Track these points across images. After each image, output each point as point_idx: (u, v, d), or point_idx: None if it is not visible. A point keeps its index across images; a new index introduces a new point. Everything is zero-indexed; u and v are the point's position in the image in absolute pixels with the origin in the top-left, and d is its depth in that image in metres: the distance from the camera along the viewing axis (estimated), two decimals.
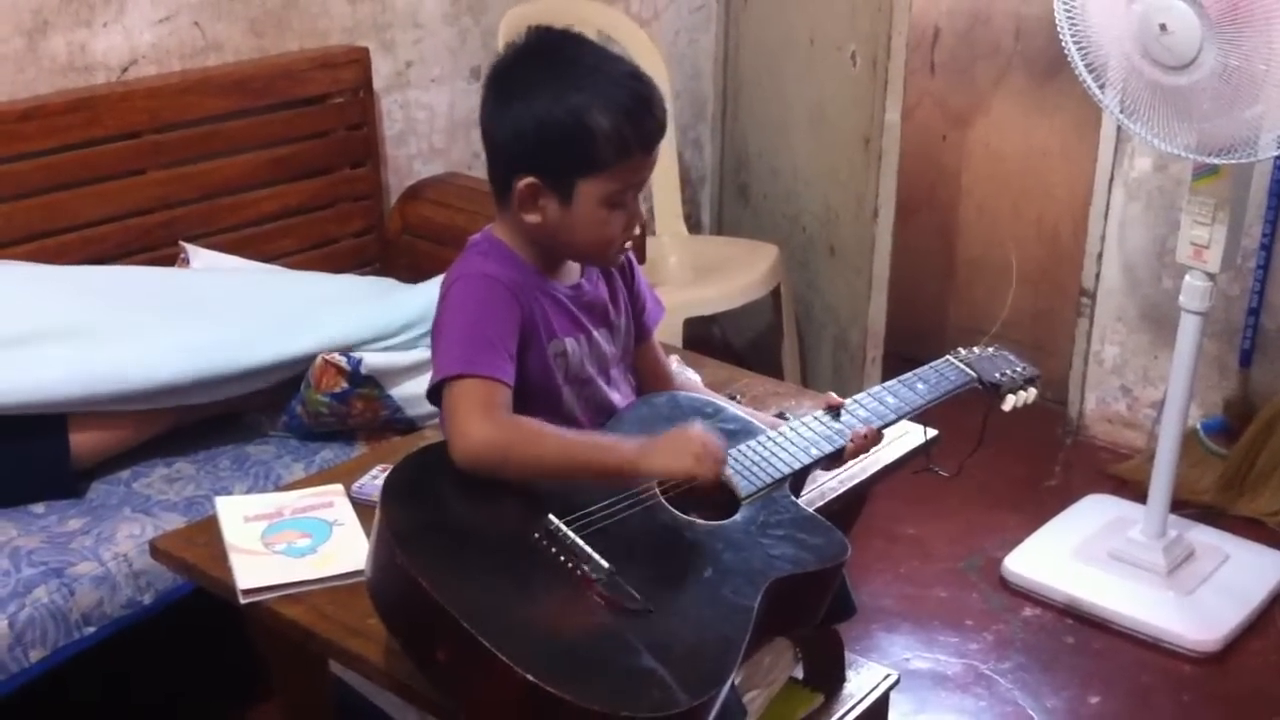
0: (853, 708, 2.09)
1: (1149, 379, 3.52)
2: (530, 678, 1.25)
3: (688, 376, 2.03)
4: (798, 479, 1.70)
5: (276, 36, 2.94)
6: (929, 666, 2.71)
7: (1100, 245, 3.51)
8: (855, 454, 1.76)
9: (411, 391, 2.39)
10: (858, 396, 1.82)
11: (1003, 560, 3.01)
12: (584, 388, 1.70)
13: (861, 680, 2.15)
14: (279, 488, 2.11)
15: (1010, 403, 1.95)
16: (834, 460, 1.75)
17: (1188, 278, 2.75)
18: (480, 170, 3.31)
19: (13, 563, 2.05)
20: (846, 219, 3.51)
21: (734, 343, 3.95)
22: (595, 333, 1.72)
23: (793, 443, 1.70)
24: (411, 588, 1.34)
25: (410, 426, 2.40)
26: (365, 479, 1.87)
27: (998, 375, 1.95)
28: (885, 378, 3.62)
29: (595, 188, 1.59)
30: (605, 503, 1.53)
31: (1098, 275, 3.53)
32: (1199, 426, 3.36)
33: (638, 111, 1.59)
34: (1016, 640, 2.80)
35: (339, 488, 1.86)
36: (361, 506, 1.81)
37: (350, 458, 2.25)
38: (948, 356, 1.96)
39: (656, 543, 1.50)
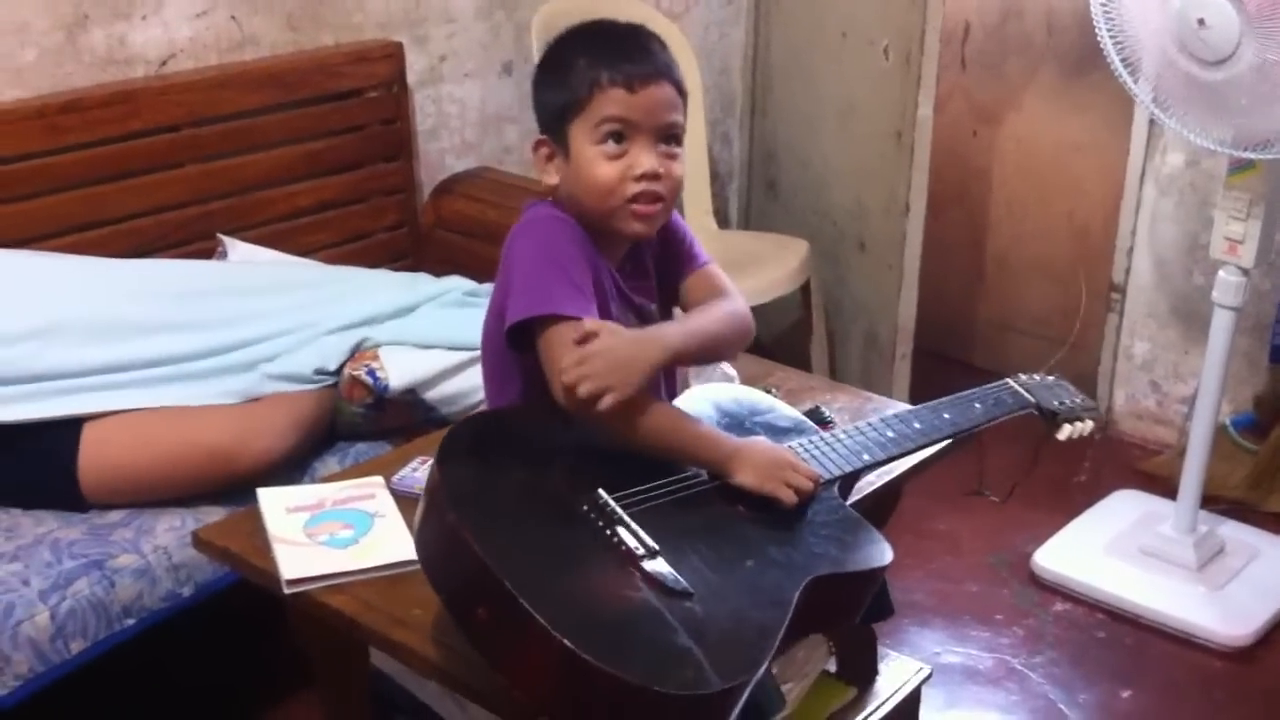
0: (885, 701, 2.10)
1: (1179, 375, 3.51)
2: (567, 643, 1.26)
3: (724, 370, 2.03)
4: (847, 483, 1.70)
5: (312, 31, 2.96)
6: (960, 661, 2.72)
7: (1131, 241, 3.50)
8: None
9: (446, 391, 2.40)
10: (915, 409, 1.82)
11: (1033, 555, 3.01)
12: None
13: (893, 674, 2.16)
14: (317, 480, 2.12)
15: (1066, 432, 1.92)
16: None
17: (1221, 273, 2.74)
18: (511, 165, 3.35)
19: (54, 555, 2.08)
20: (877, 214, 3.51)
21: (762, 338, 3.95)
22: (625, 319, 1.72)
23: (846, 446, 1.70)
24: (459, 544, 1.35)
25: (448, 424, 2.39)
26: (405, 471, 1.88)
27: (1055, 404, 1.94)
28: (914, 374, 3.59)
29: (580, 127, 1.63)
30: (656, 483, 1.54)
31: (1128, 271, 3.53)
32: (1229, 422, 3.35)
33: (611, 46, 1.63)
34: (1048, 635, 2.80)
35: (379, 480, 1.86)
36: (402, 498, 1.82)
37: (389, 450, 2.26)
38: (1006, 380, 1.94)
39: (702, 528, 1.51)
